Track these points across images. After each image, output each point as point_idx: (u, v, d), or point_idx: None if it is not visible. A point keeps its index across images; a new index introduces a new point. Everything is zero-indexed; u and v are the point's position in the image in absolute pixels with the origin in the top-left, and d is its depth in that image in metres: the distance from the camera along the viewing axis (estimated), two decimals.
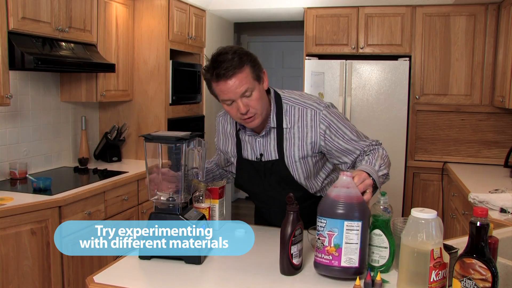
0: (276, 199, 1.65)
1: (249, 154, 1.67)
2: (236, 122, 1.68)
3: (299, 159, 1.60)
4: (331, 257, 1.24)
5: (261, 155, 1.64)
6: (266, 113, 1.58)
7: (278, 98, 1.61)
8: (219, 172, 1.89)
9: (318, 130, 1.57)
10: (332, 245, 1.24)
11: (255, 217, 1.98)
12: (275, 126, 1.60)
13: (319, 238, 1.26)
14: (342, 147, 1.59)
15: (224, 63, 1.44)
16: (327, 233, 1.24)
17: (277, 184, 1.66)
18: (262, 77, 1.54)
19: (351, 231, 1.23)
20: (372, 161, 1.50)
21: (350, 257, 1.23)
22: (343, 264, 1.23)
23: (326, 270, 1.26)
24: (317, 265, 1.28)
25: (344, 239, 1.23)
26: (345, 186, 1.27)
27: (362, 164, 1.50)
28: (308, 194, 1.69)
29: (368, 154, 1.58)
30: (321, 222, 1.26)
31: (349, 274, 1.23)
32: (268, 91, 1.61)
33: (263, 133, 1.62)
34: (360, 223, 1.23)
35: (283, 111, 1.59)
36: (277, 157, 1.61)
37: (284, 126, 1.59)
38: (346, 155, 1.60)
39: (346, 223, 1.22)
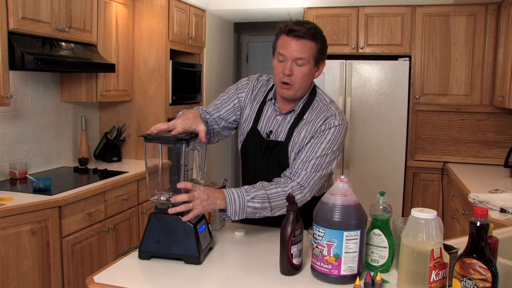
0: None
1: (262, 127, 1.71)
2: (266, 94, 1.73)
3: (299, 146, 1.64)
4: (330, 266, 1.23)
5: (271, 132, 1.69)
6: (300, 94, 1.64)
7: (313, 93, 1.69)
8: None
9: (315, 127, 1.61)
10: (331, 255, 1.22)
11: None
12: (298, 112, 1.66)
13: (317, 247, 1.25)
14: (303, 150, 1.59)
15: (303, 26, 1.54)
16: (326, 243, 1.22)
17: (271, 165, 1.68)
18: (320, 64, 1.63)
19: (350, 240, 1.22)
20: (251, 190, 1.49)
21: (349, 266, 1.23)
22: (343, 272, 1.23)
23: (325, 279, 1.25)
24: (316, 272, 1.27)
25: (343, 249, 1.22)
26: (343, 193, 1.24)
27: (241, 187, 1.49)
28: None
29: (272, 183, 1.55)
30: (319, 231, 1.24)
31: (348, 280, 1.23)
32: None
33: (286, 111, 1.67)
34: (359, 232, 1.22)
35: (311, 105, 1.66)
36: (284, 139, 1.66)
37: (305, 117, 1.65)
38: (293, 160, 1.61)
39: (345, 233, 1.21)
